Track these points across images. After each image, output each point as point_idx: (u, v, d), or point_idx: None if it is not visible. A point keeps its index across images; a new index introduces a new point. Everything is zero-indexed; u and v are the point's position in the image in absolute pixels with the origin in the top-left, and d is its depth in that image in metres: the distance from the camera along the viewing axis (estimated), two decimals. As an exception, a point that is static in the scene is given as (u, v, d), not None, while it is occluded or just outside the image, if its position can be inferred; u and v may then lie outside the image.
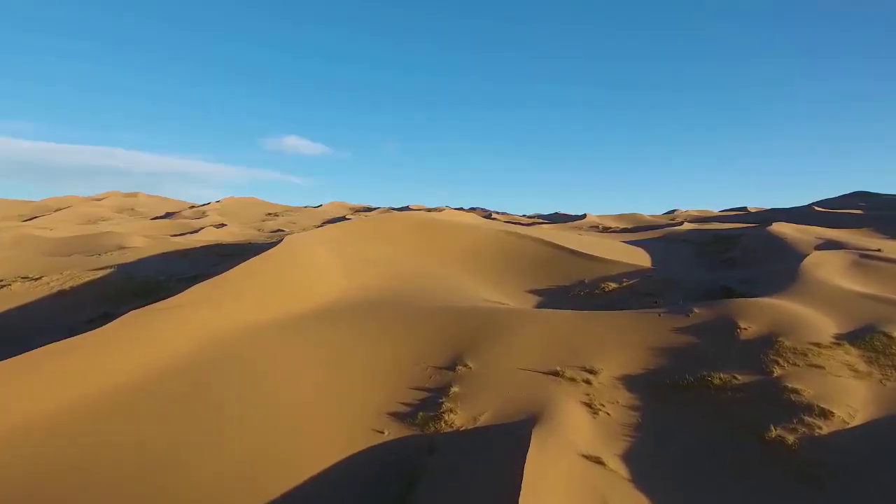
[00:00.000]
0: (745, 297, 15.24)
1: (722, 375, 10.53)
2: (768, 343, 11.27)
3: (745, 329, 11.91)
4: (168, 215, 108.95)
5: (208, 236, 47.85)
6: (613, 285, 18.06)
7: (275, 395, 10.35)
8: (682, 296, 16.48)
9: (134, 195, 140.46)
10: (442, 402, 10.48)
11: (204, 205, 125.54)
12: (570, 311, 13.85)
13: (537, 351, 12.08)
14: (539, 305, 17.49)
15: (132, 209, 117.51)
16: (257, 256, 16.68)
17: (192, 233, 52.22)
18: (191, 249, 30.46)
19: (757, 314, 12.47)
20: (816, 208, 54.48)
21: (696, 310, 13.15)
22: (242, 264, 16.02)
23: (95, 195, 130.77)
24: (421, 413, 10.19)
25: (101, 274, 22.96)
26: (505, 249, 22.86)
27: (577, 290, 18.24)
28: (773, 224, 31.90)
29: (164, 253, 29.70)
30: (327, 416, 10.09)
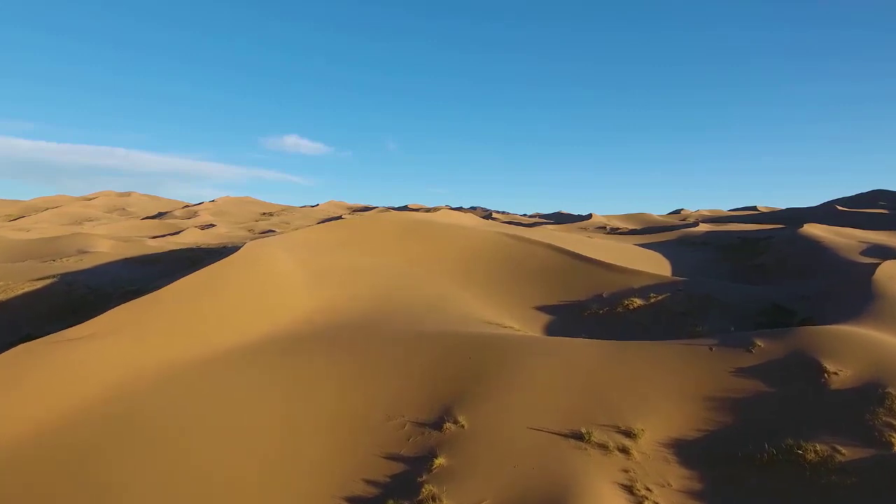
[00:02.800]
0: (810, 321, 12.15)
1: (817, 447, 7.45)
2: (874, 396, 8.17)
3: (835, 374, 8.81)
4: (160, 215, 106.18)
5: (189, 238, 44.83)
6: (639, 302, 14.97)
7: (187, 471, 7.28)
8: (727, 318, 13.38)
9: (127, 195, 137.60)
10: (422, 483, 7.43)
11: (197, 204, 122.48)
12: (592, 343, 10.76)
13: (553, 401, 9.01)
14: (549, 327, 14.40)
15: (123, 209, 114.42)
16: (203, 270, 13.61)
17: (173, 234, 49.19)
18: (158, 254, 27.41)
19: (847, 351, 9.37)
20: (839, 207, 51.27)
21: (758, 342, 10.05)
22: (182, 280, 12.95)
23: (86, 195, 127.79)
24: (391, 502, 7.13)
25: (40, 284, 19.90)
26: (507, 256, 19.77)
27: (594, 308, 15.15)
28: (804, 226, 28.79)
29: (126, 259, 26.66)
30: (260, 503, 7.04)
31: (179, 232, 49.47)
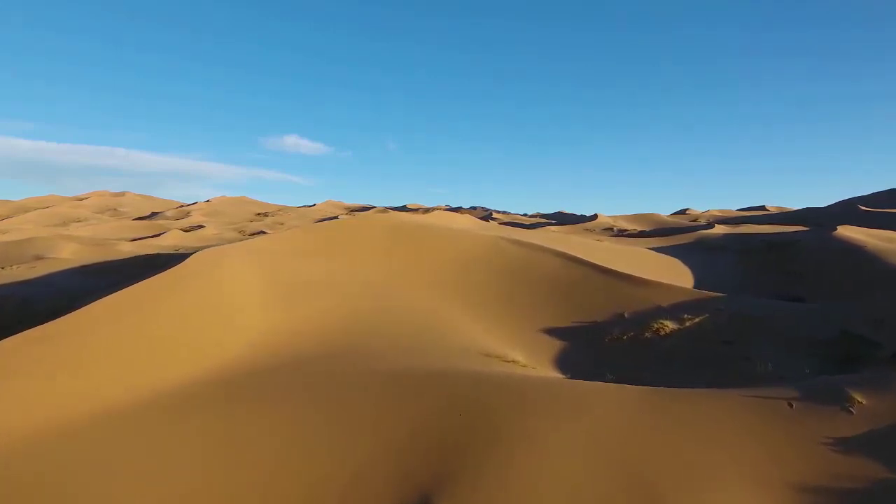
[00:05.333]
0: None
1: None
2: None
3: None
4: (152, 215, 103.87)
5: (170, 240, 42.17)
6: (670, 325, 12.26)
7: None
8: (787, 348, 10.65)
9: (121, 194, 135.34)
10: None
11: (191, 204, 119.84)
12: (624, 392, 8.04)
13: (576, 486, 6.27)
14: (563, 359, 11.67)
15: (115, 209, 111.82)
16: (130, 288, 10.91)
17: (154, 236, 46.51)
18: (119, 261, 24.73)
19: None
20: (862, 207, 48.49)
21: (856, 395, 7.32)
22: (100, 302, 10.25)
23: (79, 195, 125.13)
24: None
25: (-32, 299, 17.18)
26: (509, 265, 17.05)
27: (616, 333, 12.44)
28: (838, 228, 26.03)
29: (82, 266, 23.98)
30: None
31: (160, 234, 46.79)
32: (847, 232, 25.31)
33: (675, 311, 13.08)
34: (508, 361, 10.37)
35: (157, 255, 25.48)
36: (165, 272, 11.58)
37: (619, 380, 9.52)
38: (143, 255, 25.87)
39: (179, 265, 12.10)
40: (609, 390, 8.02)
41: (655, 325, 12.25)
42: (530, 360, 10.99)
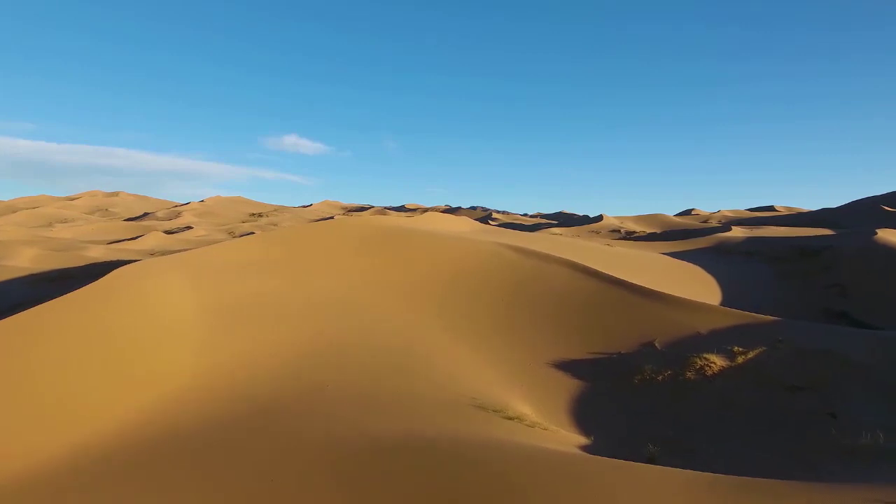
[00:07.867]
0: None
1: None
2: None
3: None
4: (144, 216, 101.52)
5: (147, 243, 39.56)
6: (718, 362, 9.62)
7: None
8: (877, 396, 8.01)
9: (114, 194, 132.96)
10: None
11: (184, 204, 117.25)
12: (688, 483, 5.37)
13: None
14: (582, 410, 9.03)
15: (106, 210, 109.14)
16: (21, 314, 8.29)
17: (133, 238, 43.91)
18: (74, 268, 22.13)
19: None
20: (885, 207, 45.78)
21: None
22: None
23: (70, 195, 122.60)
24: None
25: None
26: (510, 279, 14.40)
27: (648, 371, 9.80)
28: (878, 232, 23.35)
29: (32, 274, 21.38)
30: None
31: (139, 237, 44.17)
32: (890, 236, 22.64)
33: (719, 341, 10.43)
34: (512, 418, 7.72)
35: (116, 262, 22.88)
36: (59, 299, 8.93)
37: (665, 452, 6.89)
38: (101, 263, 23.25)
39: (83, 290, 9.44)
40: (669, 481, 5.34)
41: (699, 362, 9.60)
42: (540, 414, 8.34)
